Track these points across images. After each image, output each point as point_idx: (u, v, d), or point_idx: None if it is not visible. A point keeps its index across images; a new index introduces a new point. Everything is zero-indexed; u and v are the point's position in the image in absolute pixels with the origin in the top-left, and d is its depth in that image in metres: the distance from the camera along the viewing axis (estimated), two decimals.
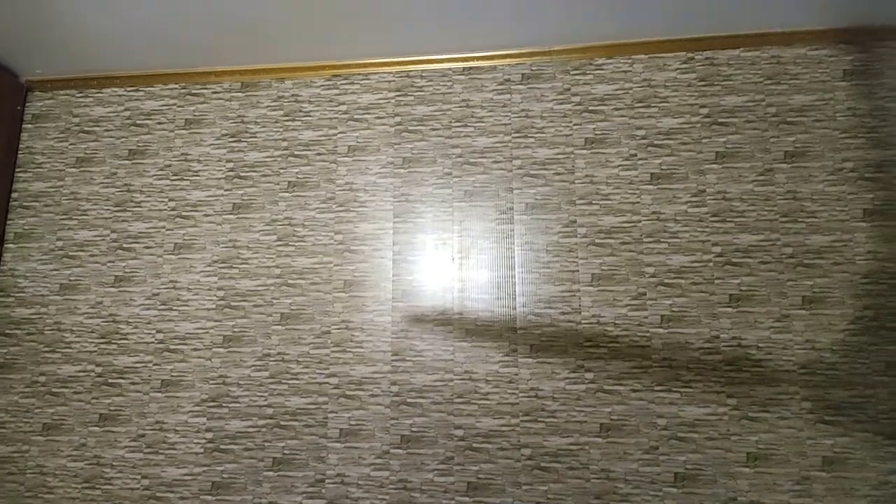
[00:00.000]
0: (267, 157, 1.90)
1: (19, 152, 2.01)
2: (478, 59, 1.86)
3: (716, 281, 1.66)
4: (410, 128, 1.86)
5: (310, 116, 1.91)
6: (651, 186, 1.73)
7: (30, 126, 2.03)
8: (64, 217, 1.94)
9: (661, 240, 1.70)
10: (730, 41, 1.76)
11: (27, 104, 2.05)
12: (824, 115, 1.71)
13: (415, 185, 1.82)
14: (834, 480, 1.53)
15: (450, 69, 1.88)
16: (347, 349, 1.75)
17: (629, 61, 1.81)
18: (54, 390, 1.83)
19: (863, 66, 1.71)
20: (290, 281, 1.81)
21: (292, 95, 1.93)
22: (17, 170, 2.00)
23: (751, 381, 1.60)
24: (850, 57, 1.72)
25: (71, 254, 1.91)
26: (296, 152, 1.89)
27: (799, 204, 1.67)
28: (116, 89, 2.02)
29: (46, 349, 1.86)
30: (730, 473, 1.56)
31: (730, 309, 1.64)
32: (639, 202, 1.72)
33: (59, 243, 1.92)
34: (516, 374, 1.67)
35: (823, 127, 1.70)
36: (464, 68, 1.87)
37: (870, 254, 1.62)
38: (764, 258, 1.65)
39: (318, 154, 1.88)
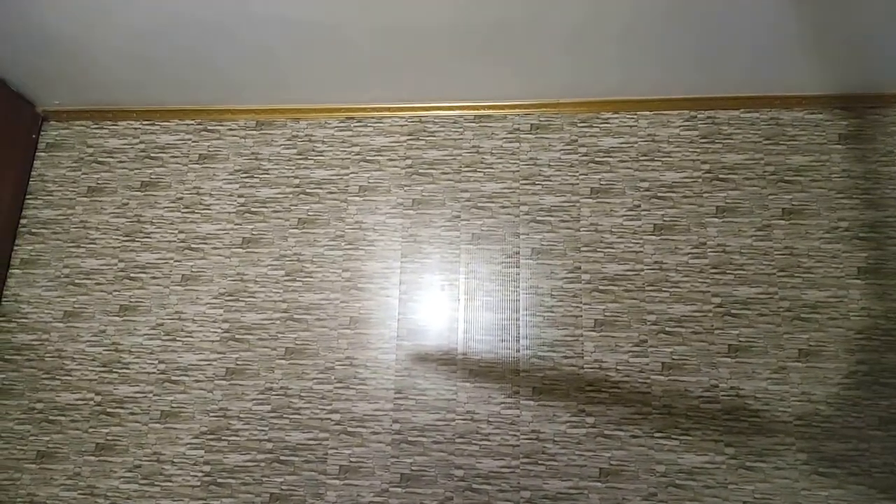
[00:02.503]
0: (278, 193, 2.06)
1: (31, 180, 2.17)
2: (489, 108, 2.05)
3: (715, 331, 1.81)
4: (421, 171, 2.03)
5: (323, 156, 2.08)
6: (654, 237, 1.90)
7: (43, 154, 2.19)
8: (72, 245, 2.08)
9: (663, 289, 1.85)
10: (731, 102, 1.97)
11: (42, 133, 2.22)
12: (820, 175, 1.89)
13: (423, 226, 1.98)
14: None
15: (461, 116, 2.07)
16: (350, 385, 1.87)
17: (634, 117, 2.00)
18: (51, 418, 1.93)
19: (857, 131, 1.91)
20: (295, 316, 1.95)
21: (306, 135, 2.11)
22: (28, 197, 2.15)
23: (748, 430, 1.73)
24: (845, 122, 1.92)
25: (77, 281, 2.04)
26: (307, 190, 2.05)
27: (796, 259, 1.84)
28: (132, 122, 2.19)
29: (46, 376, 1.97)
30: None
31: (728, 359, 1.79)
32: (641, 251, 1.89)
33: (66, 270, 2.06)
34: (518, 416, 1.80)
35: (819, 187, 1.88)
36: (475, 116, 2.06)
37: (864, 310, 1.78)
38: (762, 310, 1.81)
39: (330, 193, 2.04)
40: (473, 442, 1.79)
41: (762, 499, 1.68)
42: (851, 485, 1.67)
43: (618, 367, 1.81)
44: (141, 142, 2.17)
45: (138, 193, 2.12)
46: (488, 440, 1.79)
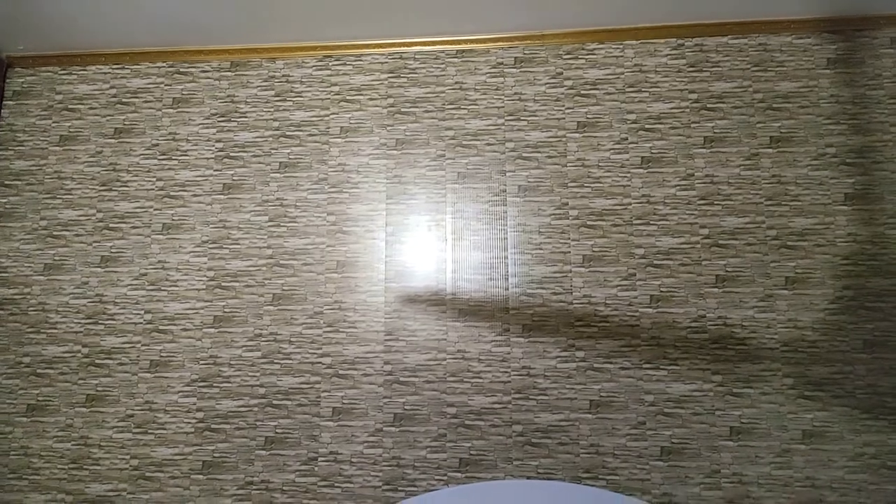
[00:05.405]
0: (258, 137, 2.04)
1: (0, 130, 2.12)
2: (471, 42, 2.01)
3: (703, 262, 1.84)
4: (403, 109, 2.01)
5: (301, 97, 2.05)
6: (641, 170, 1.90)
7: (11, 103, 2.14)
8: (47, 196, 2.05)
9: (651, 222, 1.87)
10: (718, 28, 1.94)
11: (7, 80, 2.16)
12: (808, 101, 1.89)
13: (408, 166, 1.97)
14: (813, 453, 1.71)
15: (443, 52, 2.03)
16: (340, 329, 1.89)
17: (620, 47, 1.98)
18: (39, 371, 1.94)
19: (845, 55, 1.90)
20: (281, 262, 1.95)
21: (283, 76, 2.07)
22: None
23: (735, 358, 1.78)
24: (834, 46, 1.91)
25: (55, 233, 2.03)
26: (287, 133, 2.03)
27: (783, 188, 1.85)
28: (101, 67, 2.13)
29: (30, 330, 1.97)
30: (714, 447, 1.74)
31: (716, 289, 1.82)
32: (629, 185, 1.90)
33: (43, 223, 2.04)
34: (508, 353, 1.84)
35: (807, 113, 1.89)
36: (457, 51, 2.03)
37: (850, 236, 1.81)
38: (749, 240, 1.83)
39: (310, 135, 2.02)
40: (465, 380, 1.83)
41: (749, 423, 1.74)
42: (836, 406, 1.73)
43: (606, 302, 1.84)
44: (112, 87, 2.12)
45: (112, 141, 2.08)
46: (480, 378, 1.83)
